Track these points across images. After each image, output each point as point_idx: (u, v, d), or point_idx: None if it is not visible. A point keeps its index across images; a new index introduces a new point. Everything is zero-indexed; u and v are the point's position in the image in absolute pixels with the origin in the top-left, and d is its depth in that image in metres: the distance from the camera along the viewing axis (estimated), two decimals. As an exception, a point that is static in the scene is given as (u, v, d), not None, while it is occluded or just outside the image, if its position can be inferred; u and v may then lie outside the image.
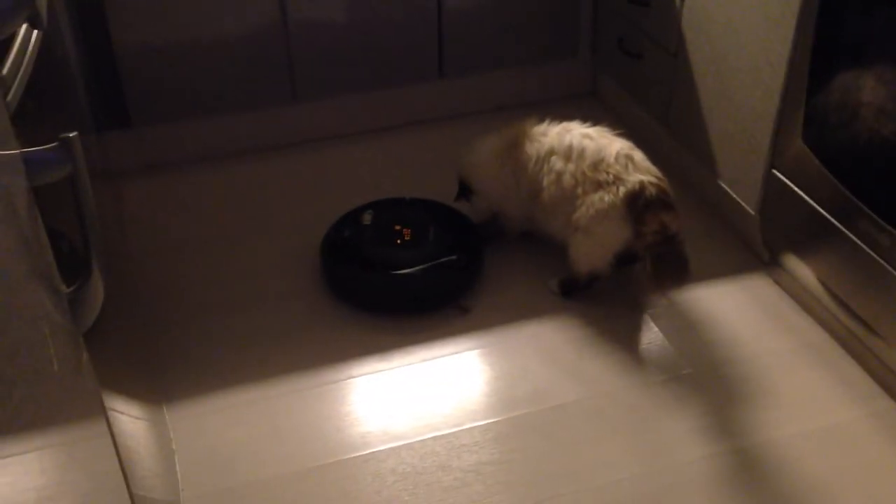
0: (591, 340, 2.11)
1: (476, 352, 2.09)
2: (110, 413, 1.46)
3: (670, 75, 2.52)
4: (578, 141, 2.13)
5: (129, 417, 1.68)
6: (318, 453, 1.85)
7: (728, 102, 2.27)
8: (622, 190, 2.04)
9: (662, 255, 2.06)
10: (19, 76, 1.22)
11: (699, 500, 1.74)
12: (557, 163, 2.14)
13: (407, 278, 2.16)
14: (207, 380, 2.01)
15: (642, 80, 2.73)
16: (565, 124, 2.21)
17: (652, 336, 2.12)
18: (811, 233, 2.06)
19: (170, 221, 2.54)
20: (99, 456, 1.13)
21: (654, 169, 2.11)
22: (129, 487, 1.29)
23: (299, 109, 2.80)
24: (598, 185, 2.07)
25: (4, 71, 1.18)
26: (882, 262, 1.83)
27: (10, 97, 1.17)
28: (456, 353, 2.09)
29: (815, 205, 2.01)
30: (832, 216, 1.96)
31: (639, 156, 2.12)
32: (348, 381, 2.02)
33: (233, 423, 1.92)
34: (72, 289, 1.05)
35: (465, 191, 2.35)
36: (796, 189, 2.07)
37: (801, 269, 2.17)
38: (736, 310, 2.19)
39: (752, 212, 2.26)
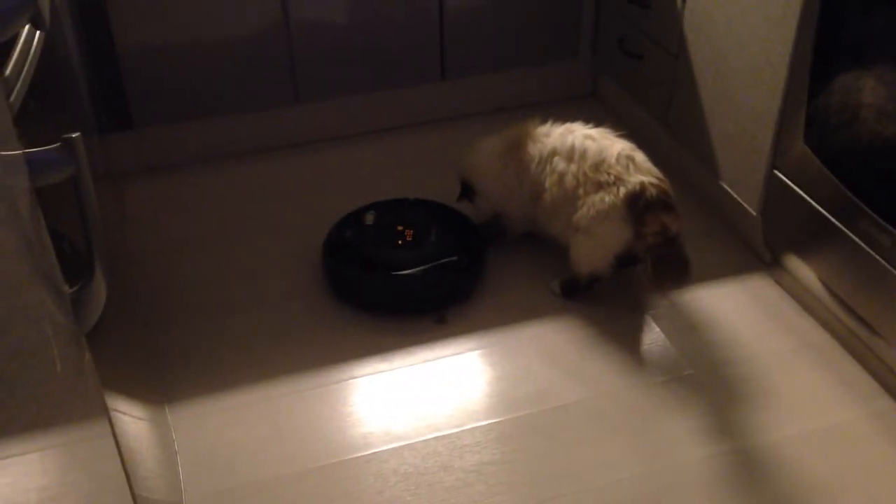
0: (593, 341, 2.11)
1: (478, 352, 2.09)
2: (112, 414, 1.46)
3: (671, 76, 2.52)
4: (580, 142, 2.13)
5: (131, 418, 1.68)
6: (320, 454, 1.85)
7: (729, 103, 2.27)
8: (623, 191, 2.04)
9: (663, 257, 2.06)
10: (22, 77, 1.22)
11: (700, 500, 1.74)
12: (560, 164, 2.14)
13: (408, 279, 2.16)
14: (209, 380, 2.02)
15: (643, 80, 2.73)
16: (568, 125, 2.22)
17: (653, 337, 2.12)
18: (812, 233, 2.06)
19: (171, 222, 2.54)
20: (101, 457, 1.13)
21: (655, 170, 2.11)
22: (131, 488, 1.29)
23: (301, 110, 2.80)
24: (599, 186, 2.07)
25: (7, 72, 1.18)
26: (883, 262, 1.83)
27: (12, 98, 1.17)
28: (457, 353, 2.09)
29: (816, 205, 2.01)
30: (833, 216, 1.96)
31: (640, 157, 2.12)
32: (350, 381, 2.02)
33: (234, 423, 1.92)
34: (74, 289, 1.05)
35: (467, 192, 2.35)
36: (797, 189, 2.07)
37: (802, 270, 2.17)
38: (737, 310, 2.19)
39: (754, 212, 2.26)
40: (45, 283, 0.94)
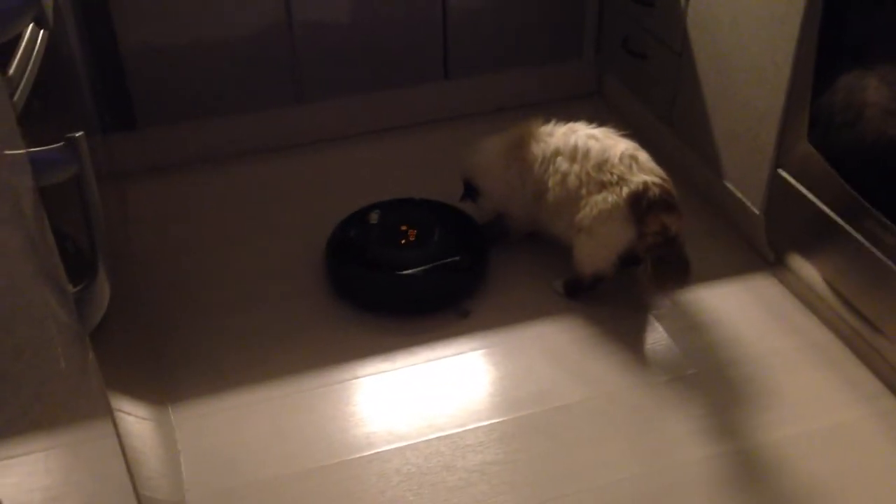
0: (596, 341, 2.11)
1: (480, 352, 2.09)
2: (116, 413, 1.46)
3: (675, 75, 2.52)
4: (584, 141, 2.13)
5: (134, 418, 1.68)
6: (323, 453, 1.85)
7: (732, 102, 2.27)
8: (625, 190, 2.04)
9: (663, 257, 2.06)
10: (26, 76, 1.22)
11: (703, 500, 1.74)
12: (563, 163, 2.14)
13: (410, 279, 2.16)
14: (212, 380, 2.02)
15: (647, 79, 2.73)
16: (571, 125, 2.21)
17: (656, 336, 2.12)
18: (816, 232, 2.06)
19: (175, 222, 2.54)
20: (105, 456, 1.13)
21: (658, 169, 2.11)
22: (135, 488, 1.29)
23: (304, 110, 2.80)
24: (602, 186, 2.06)
25: (11, 70, 1.18)
26: (887, 261, 1.83)
27: (16, 97, 1.17)
28: (460, 353, 2.09)
29: (820, 204, 2.01)
30: (838, 216, 1.96)
31: (643, 156, 2.12)
32: (353, 381, 2.02)
33: (238, 423, 1.92)
34: (78, 288, 1.05)
35: (470, 191, 2.35)
36: (802, 189, 2.06)
37: (806, 269, 2.16)
38: (740, 310, 2.19)
39: (757, 211, 2.26)
40: (49, 282, 0.94)
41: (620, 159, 2.07)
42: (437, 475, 1.80)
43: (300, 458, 1.84)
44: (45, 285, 0.92)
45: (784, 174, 2.12)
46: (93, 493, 1.01)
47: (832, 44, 1.91)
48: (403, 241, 2.23)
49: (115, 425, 1.26)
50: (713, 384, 1.99)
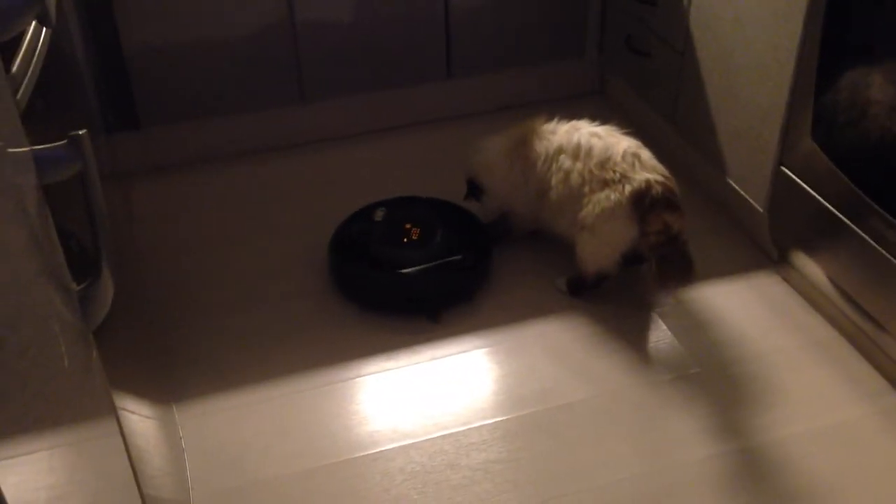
0: (599, 339, 2.11)
1: (484, 350, 2.09)
2: (120, 412, 1.46)
3: (677, 73, 2.52)
4: (586, 139, 2.13)
5: (138, 416, 1.68)
6: (327, 452, 1.85)
7: (736, 100, 2.27)
8: (628, 188, 2.03)
9: (666, 256, 2.06)
10: (29, 74, 1.22)
11: (707, 498, 1.74)
12: (566, 161, 2.13)
13: (409, 278, 2.16)
14: (216, 379, 2.02)
15: (650, 78, 2.73)
16: (574, 123, 2.21)
17: (660, 334, 2.12)
18: (820, 230, 2.06)
19: (178, 222, 2.55)
20: (109, 455, 1.13)
21: (661, 167, 2.11)
22: (139, 487, 1.29)
23: (307, 110, 2.80)
24: (605, 184, 2.06)
25: (14, 68, 1.18)
26: (892, 258, 1.82)
27: (19, 95, 1.17)
28: (463, 351, 2.09)
29: (824, 202, 2.00)
30: (841, 213, 1.95)
31: (646, 154, 2.11)
32: (356, 379, 2.02)
33: (241, 421, 1.92)
34: (82, 287, 1.04)
35: (474, 190, 2.35)
36: (805, 186, 2.06)
37: (809, 267, 2.16)
38: (744, 308, 2.19)
39: (761, 209, 2.26)
40: (53, 280, 0.93)
41: (623, 157, 2.07)
42: (441, 473, 1.80)
43: (304, 456, 1.84)
44: (48, 283, 0.92)
45: (787, 172, 2.12)
46: (97, 491, 1.01)
47: (836, 41, 1.91)
48: (406, 240, 2.23)
49: (119, 424, 1.26)
50: (716, 382, 1.99)
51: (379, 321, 2.16)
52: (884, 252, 1.84)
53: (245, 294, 2.26)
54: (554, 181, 2.15)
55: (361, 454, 1.84)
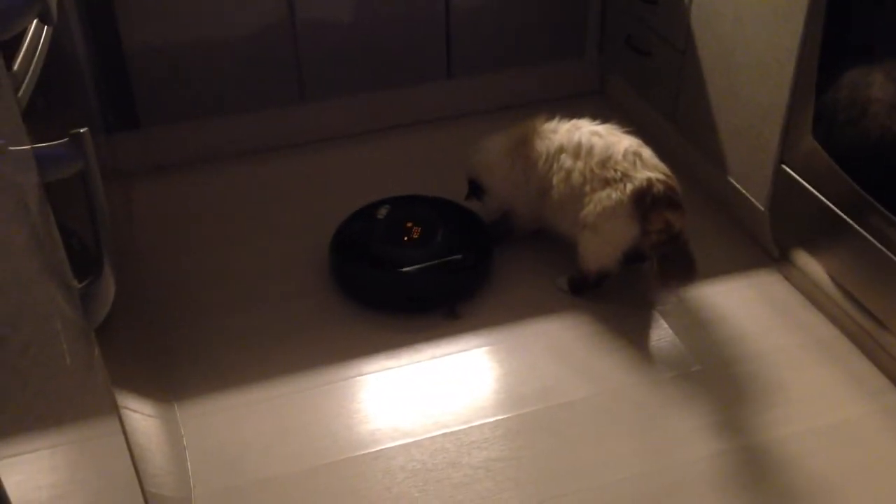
0: (600, 338, 2.11)
1: (485, 349, 2.09)
2: (122, 410, 1.46)
3: (678, 72, 2.52)
4: (587, 138, 2.13)
5: (140, 415, 1.68)
6: (328, 451, 1.85)
7: (736, 98, 2.27)
8: (629, 187, 2.03)
9: (668, 254, 2.06)
10: (30, 72, 1.22)
11: (708, 497, 1.74)
12: (567, 160, 2.13)
13: (408, 276, 2.16)
14: (217, 378, 2.02)
15: (650, 77, 2.72)
16: (575, 122, 2.21)
17: (661, 333, 2.12)
18: (821, 229, 2.06)
19: (178, 221, 2.55)
20: (111, 453, 1.13)
21: (662, 166, 2.11)
22: (141, 485, 1.29)
23: (307, 109, 2.80)
24: (606, 183, 2.06)
25: (16, 66, 1.18)
26: (893, 256, 1.82)
27: (20, 93, 1.17)
28: (465, 350, 2.08)
29: (825, 200, 2.00)
30: (842, 212, 1.95)
31: (647, 153, 2.11)
32: (357, 378, 2.02)
33: (243, 420, 1.92)
34: (83, 284, 1.04)
35: (475, 190, 2.35)
36: (806, 185, 2.06)
37: (811, 265, 2.16)
38: (745, 306, 2.18)
39: (762, 208, 2.26)
40: (55, 278, 0.94)
41: (624, 156, 2.07)
42: (442, 472, 1.80)
43: (306, 455, 1.84)
44: (50, 281, 0.92)
45: (788, 170, 2.12)
46: (99, 489, 1.01)
47: (836, 40, 1.91)
48: (406, 239, 2.23)
49: (121, 422, 1.26)
50: (718, 381, 1.99)
51: (379, 320, 2.16)
52: (885, 250, 1.84)
53: (245, 294, 2.26)
54: (555, 180, 2.15)
55: (362, 453, 1.84)
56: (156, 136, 2.70)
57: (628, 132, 2.17)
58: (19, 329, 0.77)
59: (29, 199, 0.88)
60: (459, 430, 1.89)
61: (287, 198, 2.62)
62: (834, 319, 2.11)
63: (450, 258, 2.19)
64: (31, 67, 1.24)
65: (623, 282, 2.23)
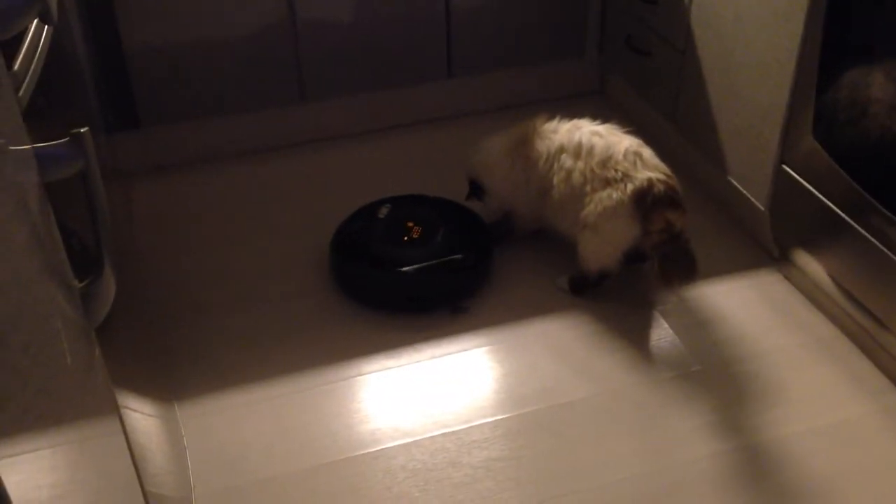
0: (600, 337, 2.11)
1: (485, 349, 2.09)
2: (122, 410, 1.46)
3: (678, 72, 2.52)
4: (588, 138, 2.13)
5: (140, 415, 1.68)
6: (328, 450, 1.85)
7: (736, 98, 2.27)
8: (630, 187, 2.03)
9: (669, 254, 2.06)
10: (30, 72, 1.22)
11: (708, 497, 1.74)
12: (567, 160, 2.13)
13: (407, 276, 2.16)
14: (217, 377, 2.02)
15: (650, 77, 2.72)
16: (575, 122, 2.21)
17: (661, 333, 2.12)
18: (821, 228, 2.06)
19: (179, 221, 2.54)
20: (111, 453, 1.13)
21: (662, 166, 2.11)
22: (141, 485, 1.29)
23: (308, 109, 2.80)
24: (607, 183, 2.06)
25: (16, 66, 1.18)
26: (893, 256, 1.82)
27: (21, 93, 1.17)
28: (465, 350, 2.08)
29: (825, 200, 2.00)
30: (843, 212, 1.95)
31: (647, 153, 2.11)
32: (358, 378, 2.02)
33: (243, 420, 1.92)
34: (83, 284, 1.05)
35: (476, 190, 2.35)
36: (806, 185, 2.06)
37: (811, 265, 2.16)
38: (746, 306, 2.18)
39: (762, 208, 2.26)
40: (55, 277, 0.94)
41: (625, 156, 2.07)
42: (442, 471, 1.80)
43: (306, 454, 1.84)
44: (50, 280, 0.92)
45: (788, 170, 2.12)
46: (99, 489, 1.01)
47: (836, 40, 1.91)
48: (406, 238, 2.23)
49: (122, 422, 1.26)
50: (718, 381, 1.99)
51: (380, 320, 2.16)
52: (885, 250, 1.84)
53: (245, 294, 2.26)
54: (556, 180, 2.15)
55: (363, 452, 1.84)
56: (156, 136, 2.70)
57: (629, 132, 2.17)
58: (19, 329, 0.77)
59: (29, 199, 0.88)
60: (460, 430, 1.89)
61: (287, 198, 2.62)
62: (834, 319, 2.11)
63: (450, 258, 2.19)
64: (32, 67, 1.24)
65: (623, 282, 2.23)
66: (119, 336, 1.69)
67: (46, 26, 1.36)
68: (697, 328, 2.13)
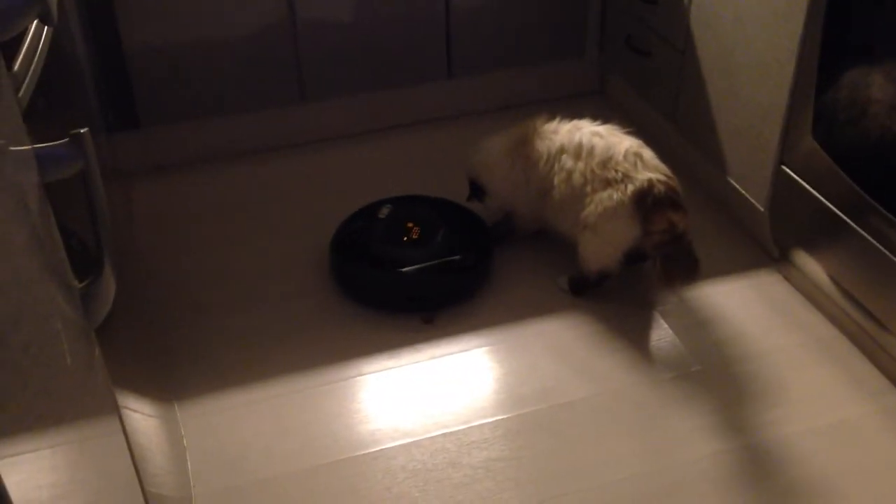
0: (600, 338, 2.11)
1: (485, 349, 2.09)
2: (122, 410, 1.46)
3: (678, 72, 2.52)
4: (588, 139, 2.13)
5: (140, 415, 1.68)
6: (328, 450, 1.85)
7: (736, 99, 2.27)
8: (630, 188, 2.03)
9: (671, 254, 2.06)
10: (30, 72, 1.22)
11: (708, 497, 1.74)
12: (567, 161, 2.13)
13: (407, 276, 2.16)
14: (217, 377, 2.02)
15: (650, 77, 2.73)
16: (575, 122, 2.21)
17: (661, 333, 2.12)
18: (821, 229, 2.06)
19: (179, 221, 2.55)
20: (111, 453, 1.13)
21: (662, 167, 2.11)
22: (141, 485, 1.29)
23: (308, 109, 2.80)
24: (607, 183, 2.06)
25: (16, 67, 1.18)
26: (892, 257, 1.82)
27: (21, 93, 1.17)
28: (465, 350, 2.08)
29: (825, 201, 2.00)
30: (842, 212, 1.95)
31: (648, 153, 2.11)
32: (357, 378, 2.02)
33: (243, 420, 1.92)
34: (83, 284, 1.05)
35: (476, 191, 2.35)
36: (806, 185, 2.06)
37: (811, 266, 2.16)
38: (745, 306, 2.19)
39: (762, 208, 2.26)
40: (55, 277, 0.94)
41: (625, 156, 2.07)
42: (442, 472, 1.80)
43: (306, 455, 1.84)
44: (50, 281, 0.92)
45: (788, 170, 2.12)
46: (99, 489, 1.01)
47: (836, 40, 1.91)
48: (406, 239, 2.23)
49: (122, 422, 1.26)
50: (718, 381, 1.99)
51: (379, 320, 2.16)
52: (885, 250, 1.84)
53: (245, 294, 2.26)
54: (556, 181, 2.15)
55: (363, 452, 1.84)
56: (156, 136, 2.70)
57: (629, 132, 2.17)
58: (19, 329, 0.77)
59: (29, 199, 0.88)
60: (459, 430, 1.89)
61: (287, 198, 2.62)
62: (834, 319, 2.11)
63: (450, 258, 2.19)
64: (32, 68, 1.24)
65: (623, 282, 2.23)
66: (119, 336, 1.69)
67: (46, 27, 1.36)
68: (697, 328, 2.13)
